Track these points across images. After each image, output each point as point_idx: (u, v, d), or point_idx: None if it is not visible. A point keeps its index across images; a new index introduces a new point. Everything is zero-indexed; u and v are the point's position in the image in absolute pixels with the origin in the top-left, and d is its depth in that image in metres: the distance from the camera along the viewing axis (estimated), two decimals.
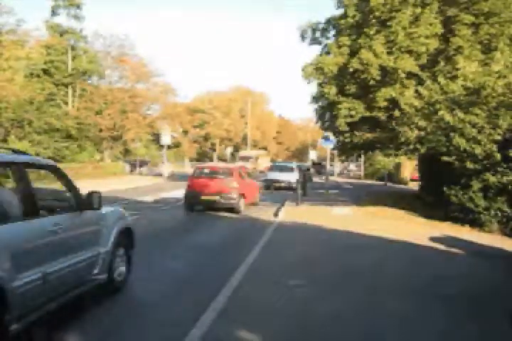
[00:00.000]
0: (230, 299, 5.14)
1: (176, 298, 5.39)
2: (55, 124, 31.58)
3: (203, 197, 13.73)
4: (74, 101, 38.00)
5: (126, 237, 5.66)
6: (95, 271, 4.91)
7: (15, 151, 4.45)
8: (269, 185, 22.77)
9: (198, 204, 14.12)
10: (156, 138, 45.97)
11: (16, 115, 29.61)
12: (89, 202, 4.86)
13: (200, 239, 9.37)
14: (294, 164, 29.18)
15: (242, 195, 14.05)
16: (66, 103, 37.35)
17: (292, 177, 21.84)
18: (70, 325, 4.33)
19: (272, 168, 26.88)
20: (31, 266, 3.77)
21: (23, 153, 4.55)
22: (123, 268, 5.53)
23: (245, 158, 45.84)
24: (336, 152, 30.29)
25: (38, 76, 35.05)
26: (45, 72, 35.89)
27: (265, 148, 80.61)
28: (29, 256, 3.76)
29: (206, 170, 15.39)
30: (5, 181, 4.58)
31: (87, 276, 4.81)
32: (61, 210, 4.83)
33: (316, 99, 22.40)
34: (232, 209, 13.52)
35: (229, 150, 60.69)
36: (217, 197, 13.61)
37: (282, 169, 25.48)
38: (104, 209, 5.24)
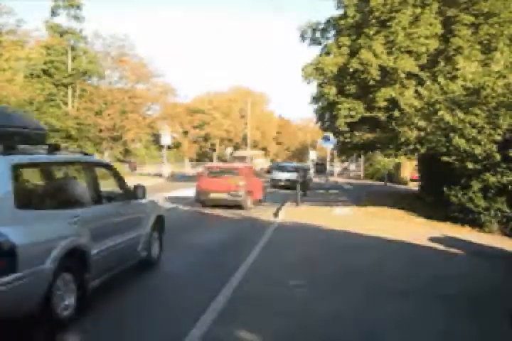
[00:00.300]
0: (230, 299, 5.15)
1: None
2: (54, 125, 31.56)
3: (212, 195, 14.76)
4: (74, 101, 38.01)
5: (160, 223, 7.08)
6: (139, 249, 6.22)
7: (85, 154, 5.88)
8: (276, 184, 24.26)
9: (207, 201, 14.97)
10: (156, 138, 46.02)
11: None
12: (135, 193, 6.23)
13: (200, 239, 9.38)
14: (296, 164, 31.73)
15: (249, 193, 14.99)
16: (66, 103, 37.37)
17: (295, 176, 23.54)
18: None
19: (278, 168, 28.97)
20: (100, 240, 5.01)
21: (90, 155, 6.14)
22: (157, 248, 6.91)
23: (240, 158, 44.57)
24: (335, 152, 30.38)
25: (38, 76, 35.05)
26: (45, 72, 35.91)
27: (265, 149, 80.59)
28: (98, 232, 4.99)
29: (215, 170, 16.54)
30: (78, 176, 5.51)
31: (134, 252, 6.12)
32: (115, 199, 6.01)
33: (315, 99, 22.41)
34: (232, 208, 13.67)
35: (229, 150, 60.66)
36: (225, 195, 14.63)
37: (287, 169, 27.44)
38: (144, 200, 6.54)
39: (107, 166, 6.52)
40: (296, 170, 25.83)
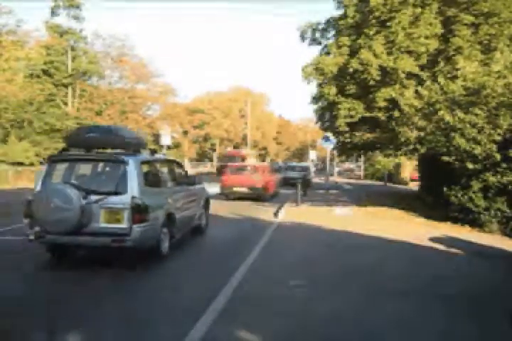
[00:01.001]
0: (230, 298, 5.15)
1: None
2: (55, 125, 31.59)
3: (235, 189, 17.98)
4: (74, 101, 38.04)
5: (207, 203, 10.53)
6: (196, 218, 9.52)
7: (154, 152, 8.31)
8: (287, 182, 26.70)
9: (231, 194, 18.00)
10: (156, 138, 45.96)
11: (16, 115, 29.64)
12: (193, 180, 9.54)
13: (201, 238, 9.39)
14: (303, 164, 37.48)
15: (265, 187, 17.95)
16: (66, 103, 37.38)
17: (303, 174, 27.60)
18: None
19: (289, 168, 33.74)
20: (179, 210, 8.03)
21: (158, 153, 9.08)
22: (205, 220, 10.27)
23: (232, 158, 40.73)
24: (335, 152, 30.48)
25: (38, 76, 35.08)
26: (45, 72, 35.93)
27: (265, 148, 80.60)
28: (178, 204, 8.10)
29: (237, 168, 19.86)
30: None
31: (195, 220, 9.45)
32: (183, 184, 8.90)
33: (315, 99, 22.42)
34: (232, 208, 13.68)
35: (228, 150, 60.62)
36: (245, 189, 17.85)
37: (295, 168, 32.72)
38: (199, 186, 9.97)
39: (178, 162, 9.54)
40: (303, 169, 30.59)
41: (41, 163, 29.12)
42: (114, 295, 5.51)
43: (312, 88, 44.98)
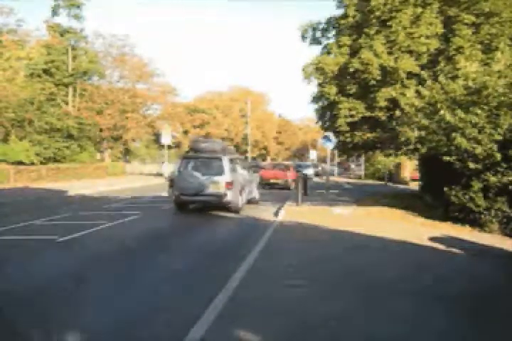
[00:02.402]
0: (231, 297, 5.16)
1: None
2: (55, 124, 31.58)
3: (271, 180, 25.43)
4: (74, 101, 38.04)
5: (258, 184, 17.35)
6: (253, 193, 16.17)
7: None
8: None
9: (268, 185, 24.91)
10: (157, 138, 46.01)
11: (17, 115, 29.64)
12: (252, 169, 17.19)
13: (201, 238, 9.39)
14: (309, 163, 47.17)
15: (293, 180, 23.96)
16: (66, 103, 37.38)
17: (310, 171, 37.59)
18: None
19: (297, 166, 38.03)
20: (245, 185, 14.72)
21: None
22: (257, 195, 16.90)
23: None
24: (336, 152, 30.56)
25: (39, 76, 35.08)
26: (46, 72, 35.91)
27: (265, 148, 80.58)
28: (245, 182, 14.72)
29: (273, 166, 29.06)
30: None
31: (252, 194, 16.07)
32: (247, 171, 15.73)
33: (316, 99, 22.43)
34: (229, 209, 13.74)
35: None
36: (279, 180, 25.63)
37: (303, 166, 39.63)
38: (255, 173, 17.48)
39: (245, 159, 18.57)
40: (315, 166, 41.30)
41: (42, 163, 29.16)
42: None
43: (313, 88, 44.92)
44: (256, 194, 16.52)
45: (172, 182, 13.46)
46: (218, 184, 12.98)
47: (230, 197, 13.03)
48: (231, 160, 13.88)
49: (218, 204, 13.32)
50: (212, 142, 14.51)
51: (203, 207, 14.47)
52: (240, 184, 13.84)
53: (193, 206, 14.54)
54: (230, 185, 13.01)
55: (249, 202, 15.58)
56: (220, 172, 13.08)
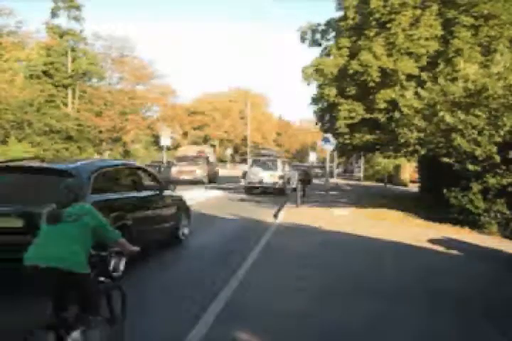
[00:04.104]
0: (233, 294, 5.17)
1: None
2: (54, 126, 31.61)
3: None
4: (74, 102, 38.06)
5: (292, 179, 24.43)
6: (294, 185, 21.79)
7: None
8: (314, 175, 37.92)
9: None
10: (156, 139, 46.00)
11: (16, 116, 29.65)
12: (291, 170, 25.38)
13: (201, 239, 9.38)
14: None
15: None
16: (66, 104, 37.40)
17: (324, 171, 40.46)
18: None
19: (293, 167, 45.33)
20: (288, 179, 23.10)
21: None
22: (295, 186, 20.12)
23: (187, 159, 29.20)
24: (335, 153, 30.60)
25: (38, 77, 35.11)
26: (45, 73, 35.95)
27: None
28: (288, 176, 23.33)
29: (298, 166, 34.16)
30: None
31: (294, 185, 21.43)
32: (290, 169, 25.64)
33: (315, 100, 22.44)
34: (234, 209, 13.78)
35: (229, 151, 60.68)
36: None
37: (315, 167, 45.54)
38: (293, 171, 25.01)
39: (286, 161, 24.70)
40: (321, 168, 43.34)
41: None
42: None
43: (312, 89, 44.94)
44: (294, 185, 20.81)
45: (244, 175, 21.88)
46: (274, 176, 21.11)
47: (281, 185, 21.11)
48: (282, 162, 22.52)
49: (273, 189, 21.20)
50: (269, 149, 25.78)
51: (261, 192, 21.67)
52: (286, 177, 21.41)
53: (257, 191, 21.79)
54: (281, 177, 21.14)
55: (294, 190, 19.43)
56: (275, 169, 21.31)
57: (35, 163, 6.47)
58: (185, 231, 9.07)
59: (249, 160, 23.73)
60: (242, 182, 22.14)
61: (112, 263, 5.20)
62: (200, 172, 27.31)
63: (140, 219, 6.78)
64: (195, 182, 26.14)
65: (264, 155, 23.73)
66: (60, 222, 3.22)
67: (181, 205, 8.97)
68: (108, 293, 3.60)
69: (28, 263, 3.16)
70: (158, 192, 7.80)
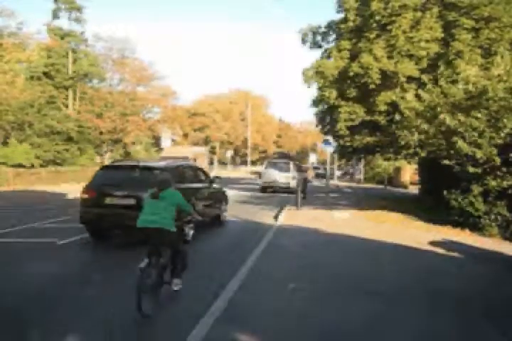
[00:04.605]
0: (232, 297, 5.18)
1: None
2: (55, 127, 31.61)
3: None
4: (74, 104, 38.07)
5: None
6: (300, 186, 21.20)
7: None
8: (319, 175, 42.10)
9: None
10: (157, 141, 46.04)
11: (17, 118, 29.66)
12: (303, 171, 29.83)
13: (202, 241, 9.39)
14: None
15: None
16: (67, 106, 37.40)
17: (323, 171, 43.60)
18: None
19: (313, 168, 47.18)
20: (299, 181, 19.34)
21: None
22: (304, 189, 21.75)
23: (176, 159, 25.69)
24: (336, 155, 30.60)
25: (39, 79, 35.12)
26: (46, 74, 35.95)
27: (265, 152, 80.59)
28: (299, 178, 22.34)
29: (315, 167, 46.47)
30: None
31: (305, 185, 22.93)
32: (300, 171, 27.63)
33: (316, 102, 22.43)
34: (235, 211, 13.76)
35: (229, 153, 60.66)
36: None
37: (319, 168, 49.65)
38: (304, 173, 28.32)
39: (299, 163, 33.76)
40: (324, 169, 43.12)
41: (41, 166, 29.15)
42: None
43: (313, 91, 44.95)
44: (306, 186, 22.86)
45: (260, 175, 25.20)
46: (287, 177, 23.84)
47: (293, 185, 22.14)
48: (294, 164, 25.68)
49: (286, 189, 23.51)
50: (283, 153, 28.51)
51: (274, 191, 24.18)
52: (298, 178, 21.43)
53: (270, 190, 24.32)
54: (293, 178, 23.19)
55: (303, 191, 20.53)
56: (288, 170, 24.23)
57: (137, 163, 9.22)
58: (225, 214, 12.32)
59: (265, 162, 26.49)
60: (258, 182, 25.82)
61: (186, 231, 8.51)
62: None
63: (199, 200, 9.89)
64: None
65: (278, 157, 29.35)
66: (156, 199, 5.12)
67: (223, 195, 12.38)
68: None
69: (140, 225, 5.10)
70: (208, 185, 11.04)
